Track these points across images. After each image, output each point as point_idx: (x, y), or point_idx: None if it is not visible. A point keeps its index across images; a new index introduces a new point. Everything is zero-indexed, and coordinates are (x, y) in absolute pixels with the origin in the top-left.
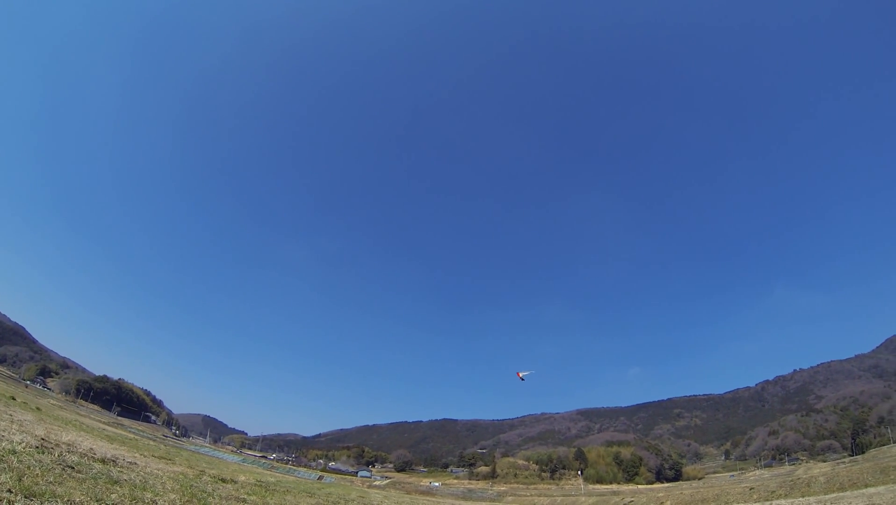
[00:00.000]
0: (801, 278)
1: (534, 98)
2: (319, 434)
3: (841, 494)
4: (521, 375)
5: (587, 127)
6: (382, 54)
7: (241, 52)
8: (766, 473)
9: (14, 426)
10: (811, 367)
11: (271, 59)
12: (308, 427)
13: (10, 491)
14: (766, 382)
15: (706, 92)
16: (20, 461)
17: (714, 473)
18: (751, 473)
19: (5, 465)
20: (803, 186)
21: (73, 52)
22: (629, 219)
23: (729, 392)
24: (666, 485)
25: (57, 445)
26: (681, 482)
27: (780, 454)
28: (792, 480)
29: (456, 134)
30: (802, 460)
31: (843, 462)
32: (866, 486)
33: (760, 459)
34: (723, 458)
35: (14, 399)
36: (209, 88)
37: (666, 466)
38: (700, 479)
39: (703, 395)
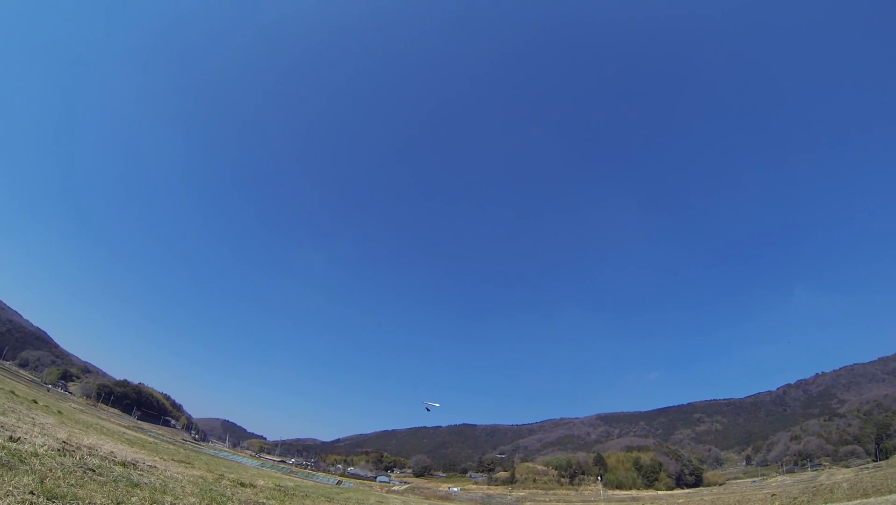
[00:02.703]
0: (822, 281)
1: (550, 104)
2: (338, 439)
3: (865, 500)
4: (427, 406)
5: (603, 132)
6: (396, 61)
7: (254, 59)
8: (788, 479)
9: (36, 429)
10: (833, 370)
11: (283, 67)
12: (327, 432)
13: (32, 493)
14: (788, 385)
15: (723, 93)
16: (42, 464)
17: (735, 478)
18: (772, 480)
19: (28, 467)
20: (821, 188)
21: (91, 67)
22: (647, 222)
23: (750, 396)
24: (686, 491)
25: (78, 448)
26: (701, 488)
27: (803, 460)
28: (815, 487)
29: (472, 141)
30: (825, 466)
31: (867, 468)
32: (891, 492)
33: (782, 465)
34: (744, 463)
35: (36, 402)
36: (225, 97)
37: (686, 471)
38: (721, 485)
39: (724, 399)
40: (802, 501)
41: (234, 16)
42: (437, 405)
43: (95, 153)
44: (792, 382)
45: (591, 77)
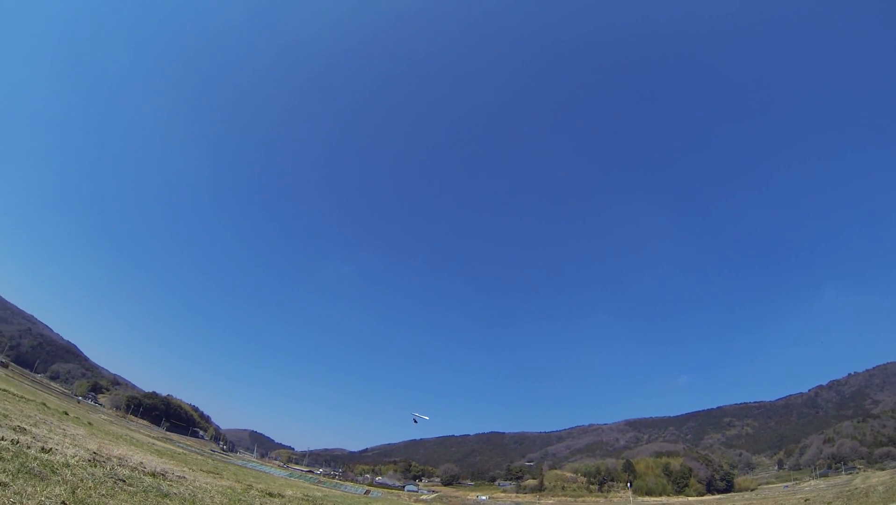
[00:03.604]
0: (852, 280)
1: (571, 109)
2: (366, 449)
3: None
4: (415, 418)
5: (625, 135)
6: (419, 72)
7: (279, 73)
8: (821, 483)
9: (67, 440)
10: (866, 370)
11: (307, 81)
12: (355, 442)
13: (64, 503)
14: (820, 387)
15: (748, 91)
16: (73, 474)
17: (767, 483)
18: (805, 484)
19: (59, 477)
20: (847, 187)
21: (119, 84)
22: (672, 225)
23: (781, 399)
24: (717, 497)
25: (108, 458)
26: (733, 494)
27: (836, 463)
28: (849, 491)
29: (494, 149)
30: (860, 469)
31: None
32: None
33: (815, 469)
34: (776, 467)
35: (67, 414)
36: (247, 110)
37: (717, 476)
38: (753, 490)
39: (755, 402)
40: None
41: (260, 30)
42: (427, 418)
43: (124, 167)
44: (824, 383)
45: (612, 81)
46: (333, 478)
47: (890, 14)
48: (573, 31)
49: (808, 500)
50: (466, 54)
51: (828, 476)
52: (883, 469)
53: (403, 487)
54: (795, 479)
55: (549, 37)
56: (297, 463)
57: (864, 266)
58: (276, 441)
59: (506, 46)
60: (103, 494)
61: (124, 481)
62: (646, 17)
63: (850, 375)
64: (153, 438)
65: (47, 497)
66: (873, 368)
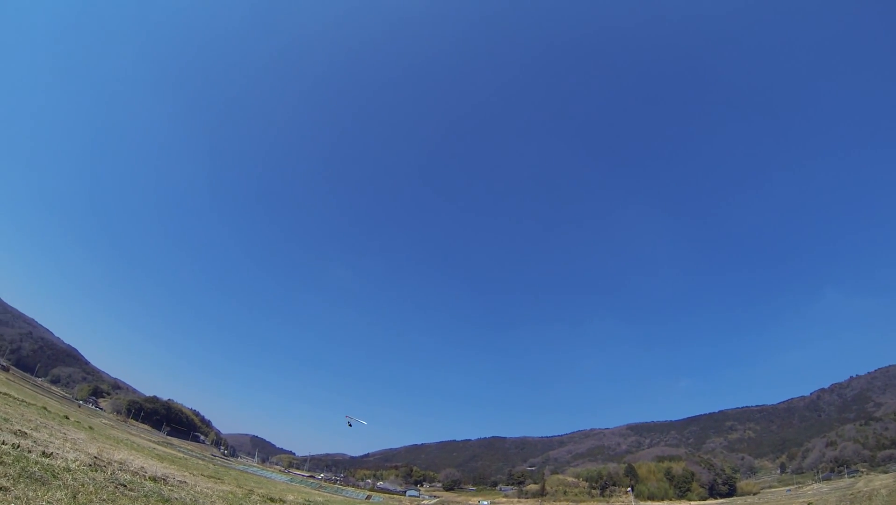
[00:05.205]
0: (852, 282)
1: (570, 111)
2: (367, 454)
3: None
4: (349, 421)
5: (625, 137)
6: (418, 75)
7: (278, 79)
8: (824, 486)
9: (68, 444)
10: (868, 372)
11: (306, 85)
12: (356, 447)
13: None
14: (822, 390)
15: (744, 91)
16: (74, 479)
17: (770, 487)
18: (808, 487)
19: (60, 482)
20: (847, 188)
21: (122, 90)
22: (672, 228)
23: (783, 402)
24: (720, 501)
25: (109, 463)
26: (735, 498)
27: (839, 466)
28: (852, 494)
29: (494, 151)
30: (862, 472)
31: None
32: None
33: (818, 472)
34: (778, 471)
35: (68, 418)
36: (249, 114)
37: (719, 481)
38: (755, 494)
39: (756, 406)
40: None
41: (262, 33)
42: (364, 423)
43: (126, 170)
44: (826, 385)
45: (611, 83)
46: (335, 483)
47: (891, 12)
48: (572, 33)
49: (811, 503)
50: (465, 56)
51: (830, 480)
52: (886, 472)
53: (405, 492)
54: (798, 482)
55: (549, 40)
56: (298, 468)
57: (864, 267)
58: (278, 446)
59: (505, 49)
60: (104, 499)
61: (125, 486)
62: (643, 18)
63: (851, 377)
64: (154, 442)
65: (48, 502)
66: (875, 370)
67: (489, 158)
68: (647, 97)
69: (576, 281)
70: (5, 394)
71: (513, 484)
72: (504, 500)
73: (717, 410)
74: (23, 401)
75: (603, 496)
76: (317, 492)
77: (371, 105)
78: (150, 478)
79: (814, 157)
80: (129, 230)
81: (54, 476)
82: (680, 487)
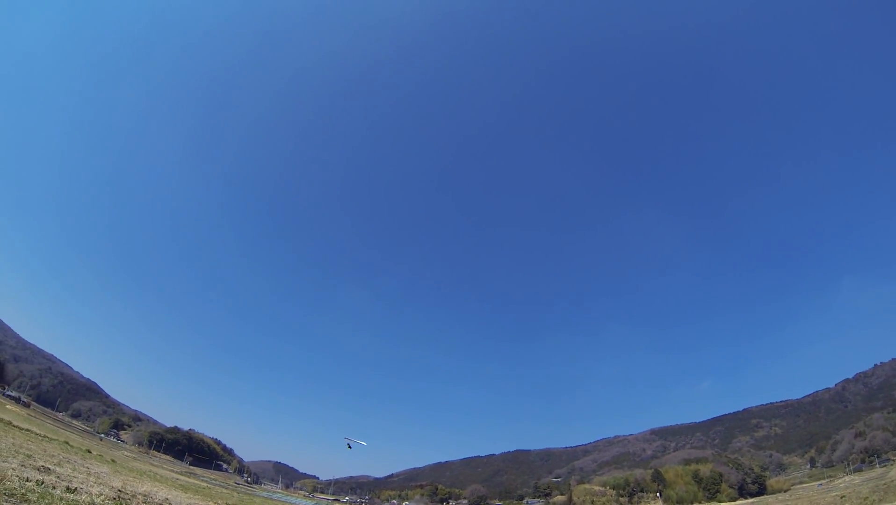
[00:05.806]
0: (869, 271)
1: (578, 117)
2: (392, 474)
3: None
4: (349, 442)
5: (632, 141)
6: (428, 91)
7: (291, 99)
8: (856, 478)
9: (91, 479)
10: (893, 359)
11: (320, 104)
12: (380, 468)
13: None
14: (847, 380)
15: (754, 89)
16: None
17: (800, 483)
18: (840, 480)
19: None
20: (857, 180)
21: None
22: (684, 230)
23: (808, 396)
24: (750, 501)
25: (133, 495)
26: (766, 496)
27: (870, 456)
28: (885, 484)
29: (504, 166)
30: (894, 461)
31: None
32: None
33: (849, 464)
34: (808, 466)
35: (90, 452)
36: (262, 136)
37: (748, 480)
38: (786, 491)
39: (781, 401)
40: (873, 499)
41: (274, 53)
42: (364, 443)
43: (139, 194)
44: (850, 376)
45: (616, 88)
46: None
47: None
48: (579, 41)
49: (844, 496)
50: (472, 70)
51: (862, 471)
52: None
53: None
54: (829, 476)
55: (556, 48)
56: (322, 492)
57: (880, 255)
58: (301, 471)
59: (511, 62)
60: None
61: None
62: (650, 20)
63: (876, 365)
64: (177, 473)
65: None
66: None
67: (497, 171)
68: (652, 99)
69: (590, 288)
70: (27, 430)
71: (539, 497)
72: None
73: (741, 409)
74: (45, 436)
75: (631, 503)
76: None
77: (384, 122)
78: None
79: (823, 150)
80: (141, 260)
81: None
82: (709, 489)
